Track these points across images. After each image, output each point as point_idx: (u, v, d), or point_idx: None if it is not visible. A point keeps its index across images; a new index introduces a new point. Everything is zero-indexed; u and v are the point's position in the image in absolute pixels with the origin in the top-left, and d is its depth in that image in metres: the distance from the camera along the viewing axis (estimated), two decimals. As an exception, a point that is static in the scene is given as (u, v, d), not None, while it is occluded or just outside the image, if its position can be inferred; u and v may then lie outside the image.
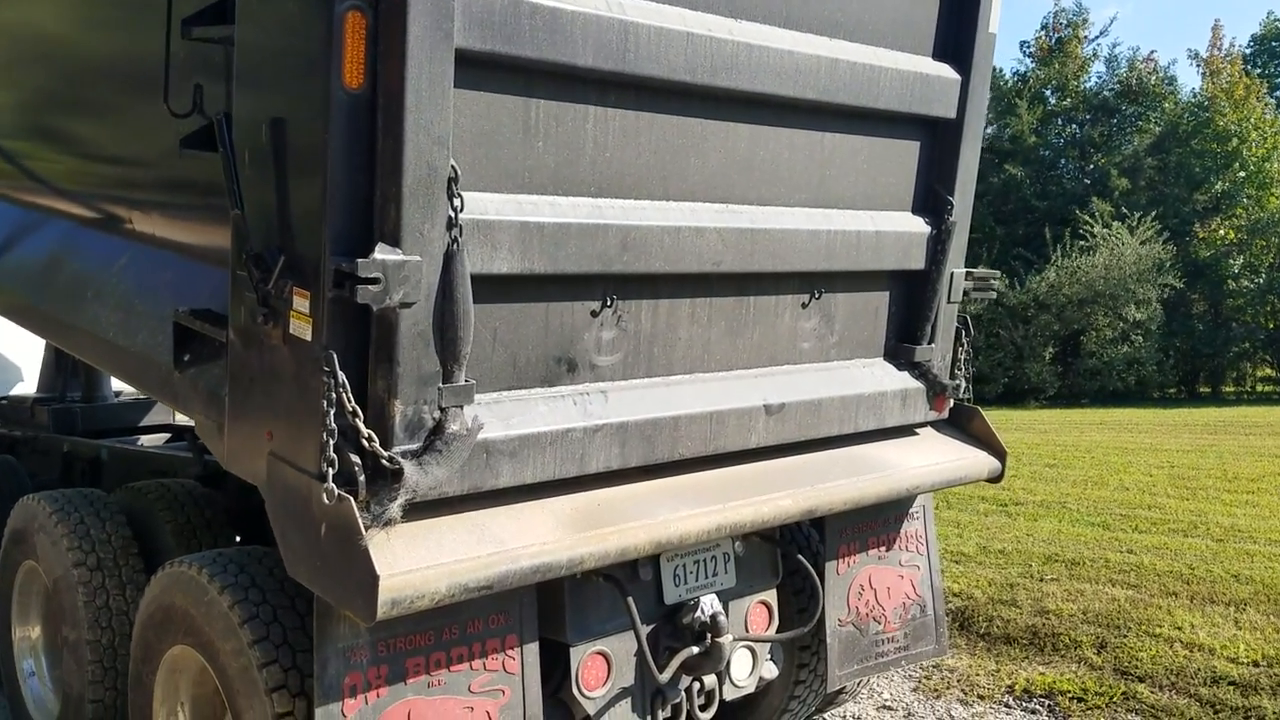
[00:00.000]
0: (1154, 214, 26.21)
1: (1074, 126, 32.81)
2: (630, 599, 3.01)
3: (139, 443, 4.95)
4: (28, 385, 6.11)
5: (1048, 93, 32.72)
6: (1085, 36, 33.23)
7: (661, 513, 2.74)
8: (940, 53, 3.40)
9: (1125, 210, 26.75)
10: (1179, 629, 5.16)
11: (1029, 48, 34.29)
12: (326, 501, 2.19)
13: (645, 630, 3.12)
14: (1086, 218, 26.63)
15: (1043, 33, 33.85)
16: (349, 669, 2.44)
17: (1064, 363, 25.59)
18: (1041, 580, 6.17)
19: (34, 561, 3.85)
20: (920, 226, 3.48)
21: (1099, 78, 33.14)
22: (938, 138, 3.47)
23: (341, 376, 2.21)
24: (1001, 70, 33.76)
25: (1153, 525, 7.79)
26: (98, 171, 3.73)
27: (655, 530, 2.68)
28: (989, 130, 34.26)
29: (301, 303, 2.29)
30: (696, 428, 2.93)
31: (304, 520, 2.33)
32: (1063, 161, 32.45)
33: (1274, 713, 4.17)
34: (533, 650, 2.78)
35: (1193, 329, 26.70)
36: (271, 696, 2.51)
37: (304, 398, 2.31)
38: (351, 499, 2.20)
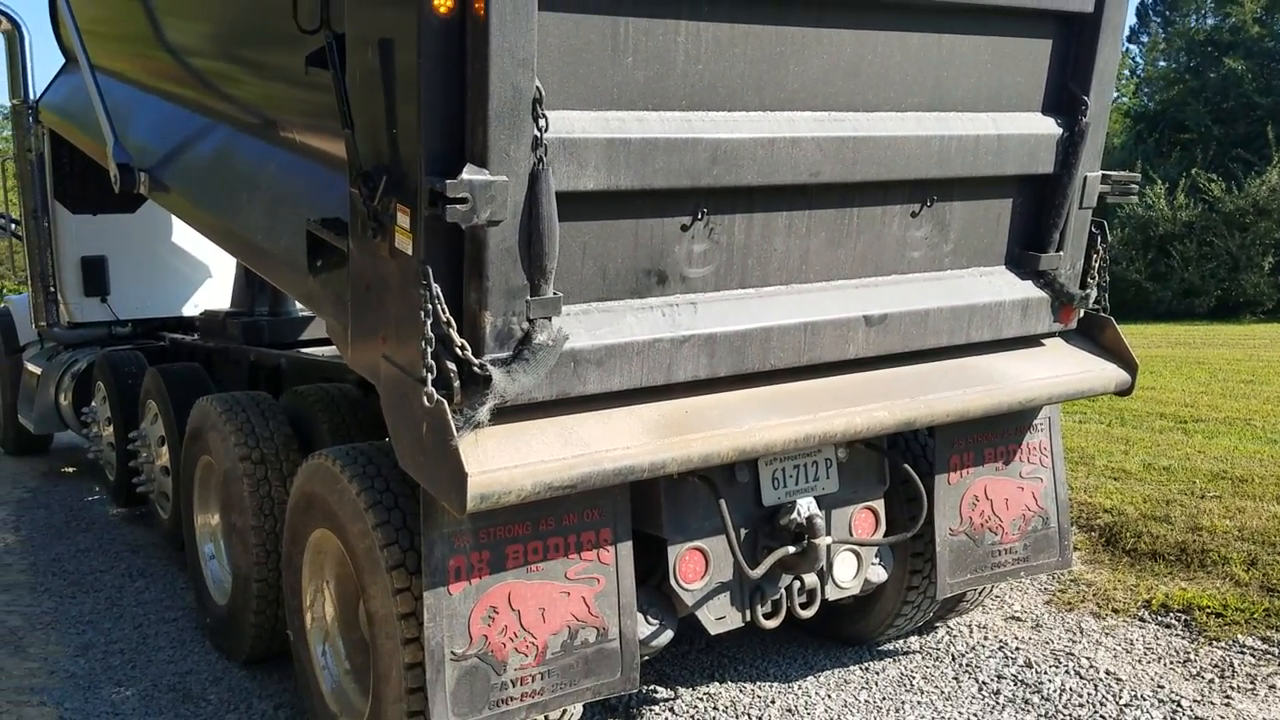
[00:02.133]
0: (1390, 105, 23.04)
1: (1303, 13, 28.91)
2: (722, 500, 3.13)
3: (318, 353, 5.34)
4: (223, 300, 6.71)
5: None
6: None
7: (748, 421, 2.81)
8: None
9: (1357, 105, 23.64)
10: (1339, 549, 4.87)
11: None
12: (426, 404, 2.39)
13: (743, 530, 3.25)
14: (1315, 115, 23.71)
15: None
16: (453, 553, 2.68)
17: (1284, 274, 23.29)
18: (1202, 497, 5.89)
19: (209, 456, 4.31)
20: (1050, 128, 3.28)
21: None
22: (1072, 32, 3.24)
23: (436, 289, 2.37)
24: None
25: (1346, 444, 7.22)
26: (253, 79, 3.92)
27: (740, 438, 2.76)
28: (1207, 21, 30.63)
29: (404, 219, 2.44)
30: (790, 339, 2.95)
31: (410, 418, 2.54)
32: (1289, 53, 28.78)
33: None
34: (626, 543, 2.95)
35: None
36: (391, 574, 2.79)
37: (407, 307, 2.48)
38: (446, 402, 2.38)
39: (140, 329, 7.31)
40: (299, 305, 5.92)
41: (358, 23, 2.58)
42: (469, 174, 2.29)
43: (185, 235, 7.34)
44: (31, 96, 7.13)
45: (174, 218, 7.33)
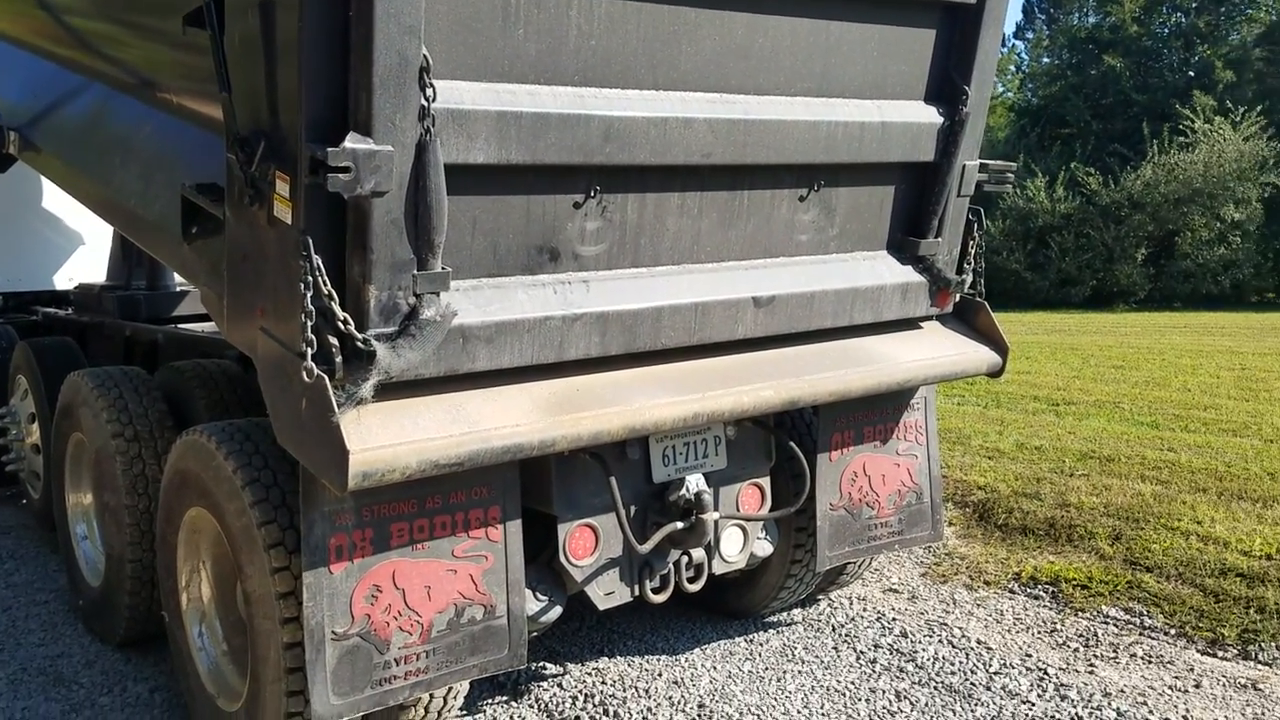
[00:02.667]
0: (1260, 109, 24.55)
1: (1179, 15, 30.59)
2: (613, 477, 3.16)
3: (197, 329, 5.16)
4: (98, 273, 6.39)
5: None
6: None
7: (639, 399, 2.84)
8: None
9: (1229, 105, 25.11)
10: (1198, 523, 5.21)
11: None
12: (305, 379, 2.32)
13: (632, 506, 3.29)
14: (1188, 112, 25.08)
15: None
16: (334, 531, 2.62)
17: (1156, 265, 24.60)
18: (1071, 475, 6.22)
19: (81, 434, 4.13)
20: (932, 116, 3.38)
21: None
22: (956, 22, 3.32)
23: (317, 260, 2.30)
24: None
25: (1204, 426, 7.72)
26: (128, 38, 3.76)
27: (630, 416, 2.78)
28: (1089, 19, 31.99)
29: (283, 186, 2.36)
30: (681, 318, 2.98)
31: (288, 393, 2.47)
32: (1165, 52, 30.40)
33: (1275, 602, 4.24)
34: (515, 521, 2.94)
35: (1294, 231, 25.38)
36: (269, 553, 2.72)
37: (286, 279, 2.41)
38: (327, 378, 2.32)
39: (11, 302, 6.92)
40: (178, 279, 5.71)
41: None
42: (352, 142, 2.22)
43: (59, 205, 6.98)
44: None
45: (47, 187, 6.97)
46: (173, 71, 3.32)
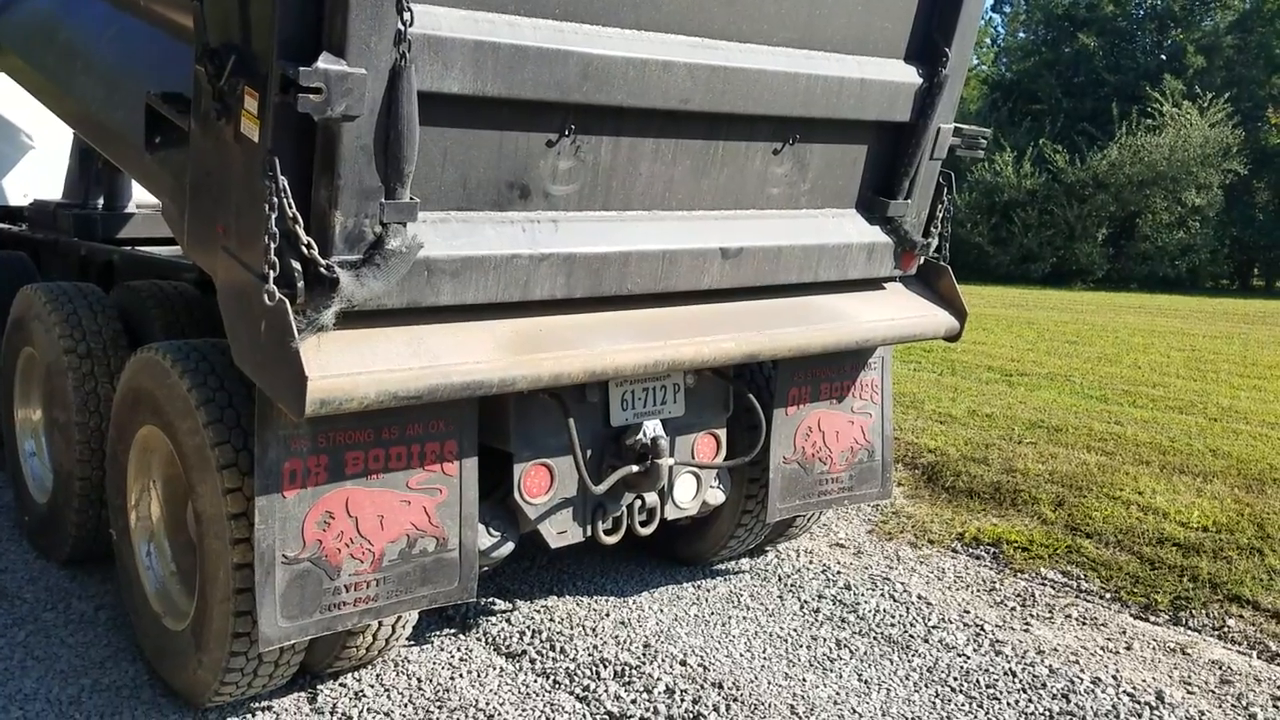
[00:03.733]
0: (1227, 96, 24.81)
1: (1155, -3, 30.69)
2: (571, 419, 3.18)
3: (155, 252, 5.04)
4: (55, 190, 6.19)
5: None
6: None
7: (601, 344, 2.85)
8: None
9: (1199, 90, 25.34)
10: (1140, 494, 5.37)
11: None
12: (267, 301, 2.30)
13: (589, 448, 3.31)
14: (1157, 95, 25.27)
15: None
16: (289, 455, 2.62)
17: (1116, 245, 24.93)
18: (1019, 443, 6.35)
19: (32, 348, 4.05)
20: (911, 76, 3.38)
21: None
22: None
23: (283, 182, 2.26)
24: None
25: (1151, 402, 7.91)
26: None
27: (591, 360, 2.79)
28: (1065, -3, 31.91)
29: (251, 103, 2.31)
30: (648, 265, 2.98)
31: (248, 315, 2.44)
32: (1139, 34, 30.49)
33: (1208, 573, 4.40)
34: (471, 456, 2.95)
35: (1252, 218, 25.70)
36: (222, 474, 2.71)
37: (251, 198, 2.37)
38: (288, 302, 2.30)
39: None
40: (135, 201, 5.57)
41: None
42: (325, 63, 2.18)
43: (14, 117, 6.73)
44: None
45: (5, 100, 6.71)
46: None
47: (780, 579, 4.34)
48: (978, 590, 4.34)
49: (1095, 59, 28.86)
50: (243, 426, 2.74)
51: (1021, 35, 33.43)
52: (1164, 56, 29.24)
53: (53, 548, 4.05)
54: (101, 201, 5.46)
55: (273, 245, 2.28)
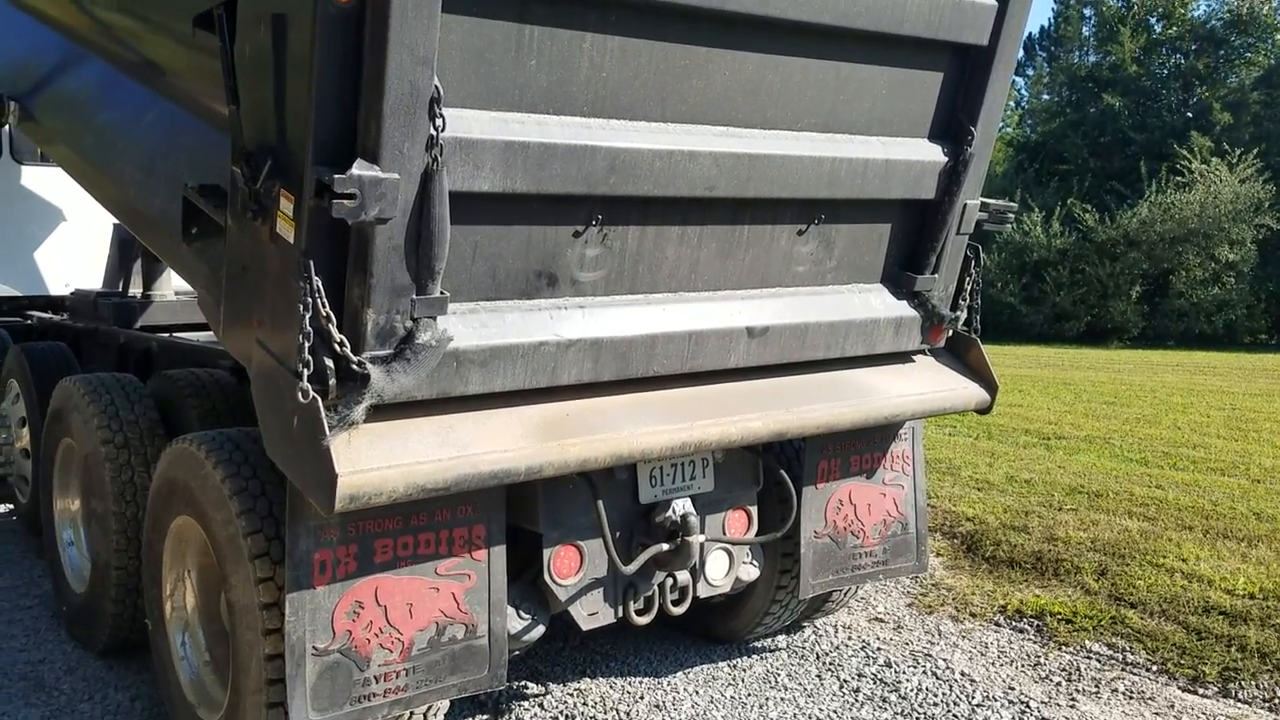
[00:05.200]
0: (1256, 151, 24.77)
1: (1178, 57, 30.93)
2: (600, 500, 3.17)
3: (191, 338, 5.13)
4: (95, 280, 6.40)
5: (1152, 20, 30.87)
6: (1195, -37, 31.04)
7: (628, 427, 2.85)
8: None
9: (1226, 146, 25.33)
10: (1183, 560, 5.24)
11: None
12: (300, 399, 2.33)
13: (618, 527, 3.29)
14: (1185, 153, 25.32)
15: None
16: (319, 546, 2.63)
17: (1150, 303, 24.75)
18: (1059, 509, 6.24)
19: (71, 439, 4.13)
20: (936, 155, 3.40)
21: (1207, 6, 31.31)
22: (966, 64, 3.35)
23: (318, 282, 2.31)
24: None
25: (1192, 464, 7.76)
26: (137, 21, 3.67)
27: (618, 444, 2.80)
28: (1089, 58, 32.31)
29: (287, 205, 2.37)
30: (674, 347, 3.00)
31: (280, 409, 2.48)
32: (1164, 93, 30.72)
33: (1257, 642, 4.27)
34: (499, 540, 2.95)
35: (1288, 274, 25.56)
36: (254, 563, 2.73)
37: (286, 296, 2.42)
38: (320, 399, 2.33)
39: (5, 306, 6.93)
40: (174, 290, 5.70)
41: (251, 2, 2.48)
42: (359, 169, 2.23)
43: (56, 211, 6.99)
44: None
45: (43, 191, 6.96)
46: (179, 63, 3.26)
47: (818, 657, 4.26)
48: (1022, 665, 4.24)
49: (1121, 118, 28.99)
50: (275, 516, 2.76)
51: (1045, 97, 33.70)
52: (1190, 114, 29.33)
53: (90, 637, 4.07)
54: (140, 290, 5.61)
55: (307, 344, 2.32)
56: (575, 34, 2.53)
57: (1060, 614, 4.70)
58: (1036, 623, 4.66)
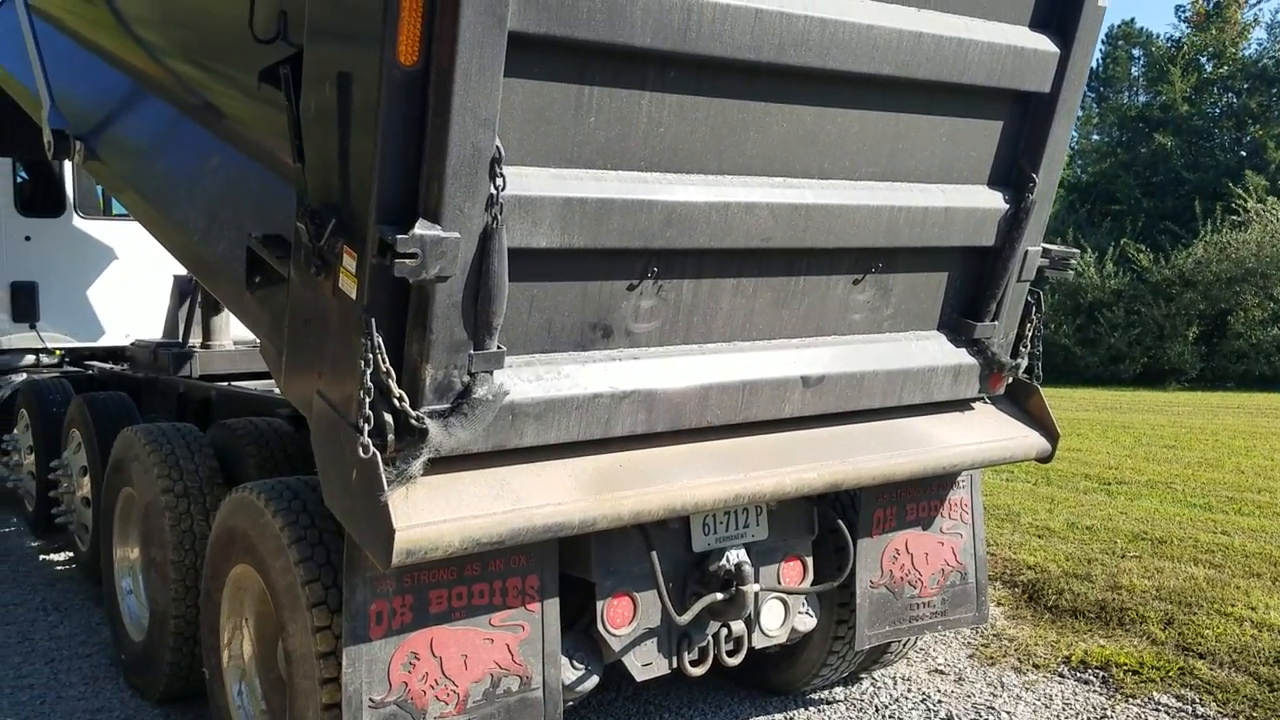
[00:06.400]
0: (1313, 190, 24.29)
1: (1230, 95, 30.47)
2: (653, 551, 3.15)
3: (249, 387, 5.20)
4: (155, 330, 6.58)
5: (1203, 59, 30.51)
6: (1246, 1, 30.62)
7: (682, 478, 2.83)
8: (1039, 22, 3.21)
9: (1282, 185, 24.89)
10: (1252, 609, 5.06)
11: (1184, 12, 32.01)
12: (361, 454, 2.35)
13: (672, 575, 3.25)
14: (1240, 192, 24.87)
15: (1200, -3, 31.33)
16: (375, 596, 2.64)
17: (1208, 344, 24.16)
18: (1122, 557, 6.07)
19: (131, 488, 4.19)
20: (996, 202, 3.36)
21: (1259, 45, 30.76)
22: (1028, 111, 3.31)
23: (378, 339, 2.34)
24: (1155, 35, 31.59)
25: (1258, 509, 7.51)
26: (203, 69, 3.71)
27: (671, 495, 2.78)
28: (1139, 98, 32.05)
29: (350, 261, 2.41)
30: (728, 397, 2.98)
31: (340, 461, 2.51)
32: (1216, 132, 30.26)
33: (1331, 694, 4.10)
34: (553, 590, 2.94)
35: (1349, 313, 24.81)
36: (312, 611, 2.75)
37: (347, 350, 2.45)
38: (379, 454, 2.35)
39: (67, 357, 7.14)
40: (231, 340, 5.81)
41: (317, 58, 2.53)
42: (421, 229, 2.26)
43: (118, 264, 7.22)
44: None
45: (106, 247, 7.19)
46: (243, 112, 3.29)
47: (877, 710, 4.16)
48: (1088, 718, 4.10)
49: (1173, 158, 28.59)
50: (332, 564, 2.78)
51: (1095, 137, 33.38)
52: (1244, 153, 28.82)
53: (147, 686, 4.08)
54: (199, 340, 5.74)
55: (368, 399, 2.34)
56: (634, 92, 2.55)
57: (1126, 665, 4.55)
58: (1102, 674, 4.51)
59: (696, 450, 2.96)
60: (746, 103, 2.73)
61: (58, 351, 7.18)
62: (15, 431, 6.51)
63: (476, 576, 2.80)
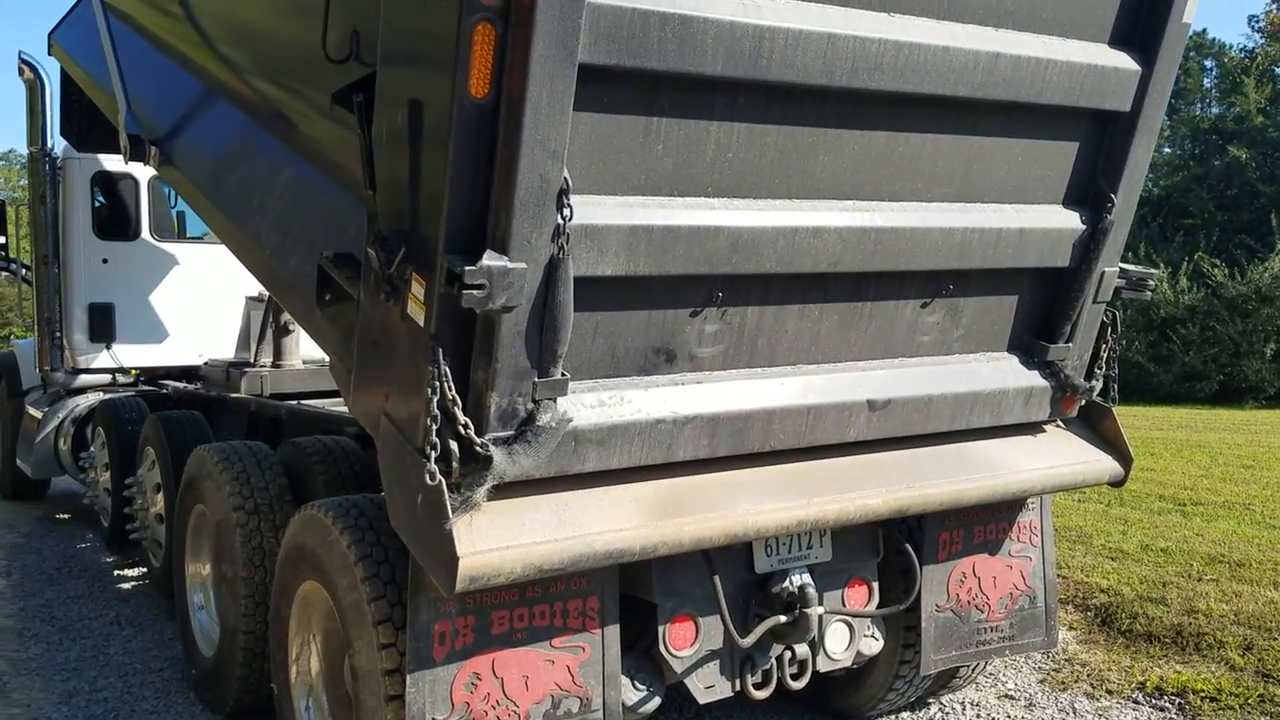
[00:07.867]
0: (1391, 202, 23.28)
1: (1306, 107, 29.40)
2: (716, 575, 3.12)
3: (319, 405, 5.26)
4: (227, 350, 6.73)
5: (1278, 70, 29.42)
6: (1322, 10, 29.58)
7: (742, 504, 2.81)
8: (1120, 39, 3.14)
9: (1360, 196, 23.90)
10: (1335, 636, 4.86)
11: (1258, 22, 30.90)
12: (428, 480, 2.37)
13: (734, 597, 3.21)
14: (1317, 205, 24.00)
15: (1274, 7, 30.29)
16: (439, 617, 2.67)
17: (1288, 362, 23.35)
18: (1199, 580, 5.88)
19: (203, 506, 4.28)
20: (1072, 222, 3.27)
21: None
22: (1107, 130, 3.23)
23: (445, 367, 2.36)
24: (1228, 46, 30.56)
25: (1341, 531, 7.22)
26: (278, 84, 3.72)
27: (732, 522, 2.75)
28: (1212, 110, 31.16)
29: (418, 289, 2.43)
30: (792, 422, 2.95)
31: (405, 484, 2.53)
32: (1292, 144, 29.21)
33: None
34: (613, 612, 2.94)
35: None
36: (378, 629, 2.78)
37: (413, 375, 2.48)
38: (444, 480, 2.37)
39: (144, 376, 7.34)
40: (301, 359, 5.91)
41: (390, 81, 2.55)
42: (489, 260, 2.27)
43: (193, 285, 7.43)
44: (50, 146, 7.23)
45: (180, 268, 7.40)
46: (316, 130, 3.31)
47: (942, 737, 4.08)
48: (1164, 748, 3.97)
49: (1248, 171, 27.70)
50: (398, 582, 2.81)
51: (1167, 150, 32.45)
52: (1321, 165, 27.75)
53: (217, 700, 4.15)
54: (269, 359, 5.86)
55: (434, 426, 2.37)
56: (702, 120, 2.53)
57: (1204, 691, 4.39)
58: (1178, 700, 4.36)
59: (759, 475, 2.93)
60: (816, 127, 2.70)
61: (133, 371, 7.38)
62: (92, 449, 6.69)
63: (538, 598, 2.81)
